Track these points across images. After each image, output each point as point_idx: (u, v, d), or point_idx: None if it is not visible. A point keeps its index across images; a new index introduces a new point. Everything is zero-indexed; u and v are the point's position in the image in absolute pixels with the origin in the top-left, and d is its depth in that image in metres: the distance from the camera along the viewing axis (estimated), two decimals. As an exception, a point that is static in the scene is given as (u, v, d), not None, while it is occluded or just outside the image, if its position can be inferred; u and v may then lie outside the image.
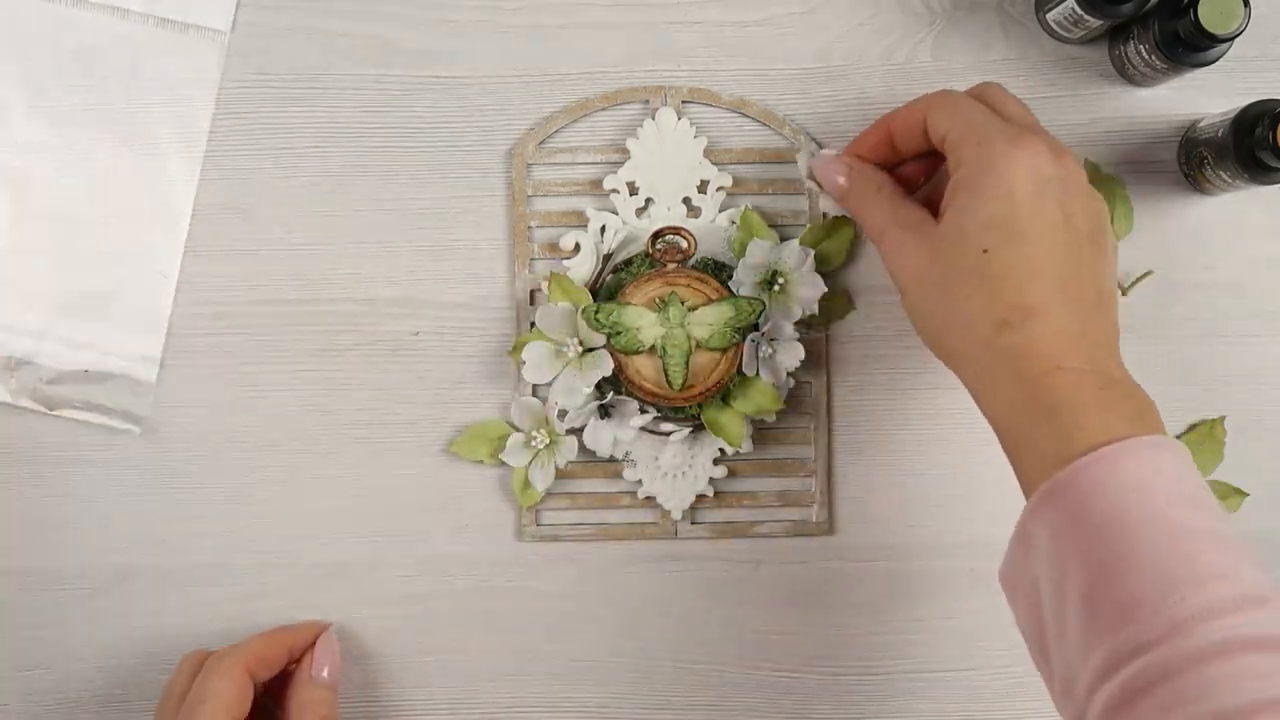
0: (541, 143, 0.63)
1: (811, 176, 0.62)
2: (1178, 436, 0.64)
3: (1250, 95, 0.60)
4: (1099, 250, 0.52)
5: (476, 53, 0.64)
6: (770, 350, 0.61)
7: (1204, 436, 0.64)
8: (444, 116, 0.64)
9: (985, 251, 0.51)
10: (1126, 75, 0.64)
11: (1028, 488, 0.49)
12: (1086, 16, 0.59)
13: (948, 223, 0.52)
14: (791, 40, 0.64)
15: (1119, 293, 0.55)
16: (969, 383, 0.52)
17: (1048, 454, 0.48)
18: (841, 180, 0.58)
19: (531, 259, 0.64)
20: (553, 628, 0.65)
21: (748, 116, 0.64)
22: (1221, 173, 0.60)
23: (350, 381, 0.64)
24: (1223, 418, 0.64)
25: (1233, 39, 0.57)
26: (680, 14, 0.64)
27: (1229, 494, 0.64)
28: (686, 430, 0.62)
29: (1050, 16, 0.62)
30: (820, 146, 0.63)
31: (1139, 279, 0.64)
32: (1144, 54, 0.60)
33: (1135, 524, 0.45)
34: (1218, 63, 0.60)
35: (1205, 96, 0.64)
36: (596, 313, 0.59)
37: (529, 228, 0.64)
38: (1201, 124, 0.62)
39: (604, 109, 0.64)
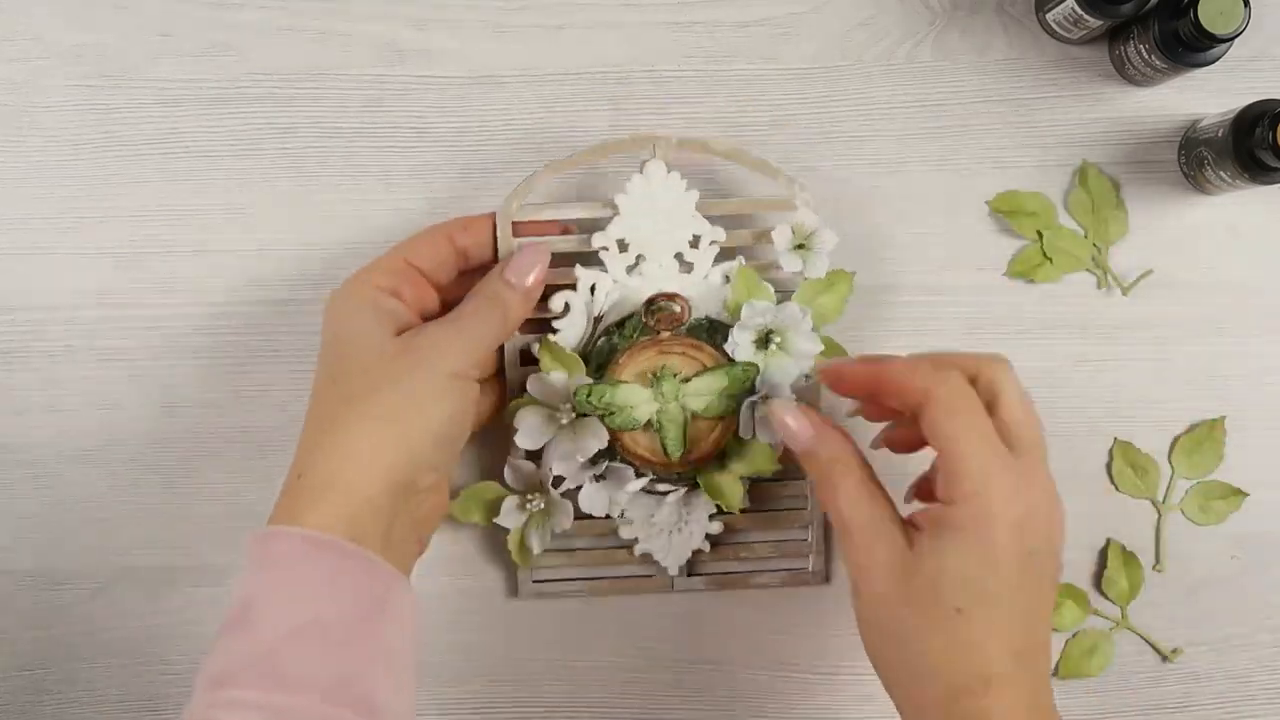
0: (526, 201, 0.59)
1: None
2: (1178, 436, 0.64)
3: (1250, 95, 0.60)
4: (1053, 598, 0.51)
5: (476, 53, 0.64)
6: (765, 409, 0.59)
7: (1204, 436, 0.64)
8: (444, 117, 0.64)
9: (959, 611, 0.48)
10: (1126, 75, 0.64)
11: None
12: (1086, 16, 0.59)
13: (924, 562, 0.49)
14: (791, 40, 0.64)
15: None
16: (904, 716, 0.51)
17: None
18: (795, 429, 0.54)
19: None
20: (552, 628, 0.64)
21: (741, 166, 0.60)
22: (1221, 173, 0.60)
23: (350, 381, 0.64)
24: (1223, 418, 0.64)
25: (1233, 39, 0.57)
26: (680, 14, 0.64)
27: (1229, 494, 0.64)
28: (683, 490, 0.61)
29: (1050, 16, 0.62)
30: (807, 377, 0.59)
31: (1139, 279, 0.64)
32: (1144, 54, 0.60)
33: None
34: (1218, 63, 0.60)
35: (1205, 96, 0.64)
36: (589, 395, 0.58)
37: None
38: (1201, 124, 0.63)
39: (590, 164, 0.61)
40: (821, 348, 0.59)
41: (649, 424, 0.59)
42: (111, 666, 0.64)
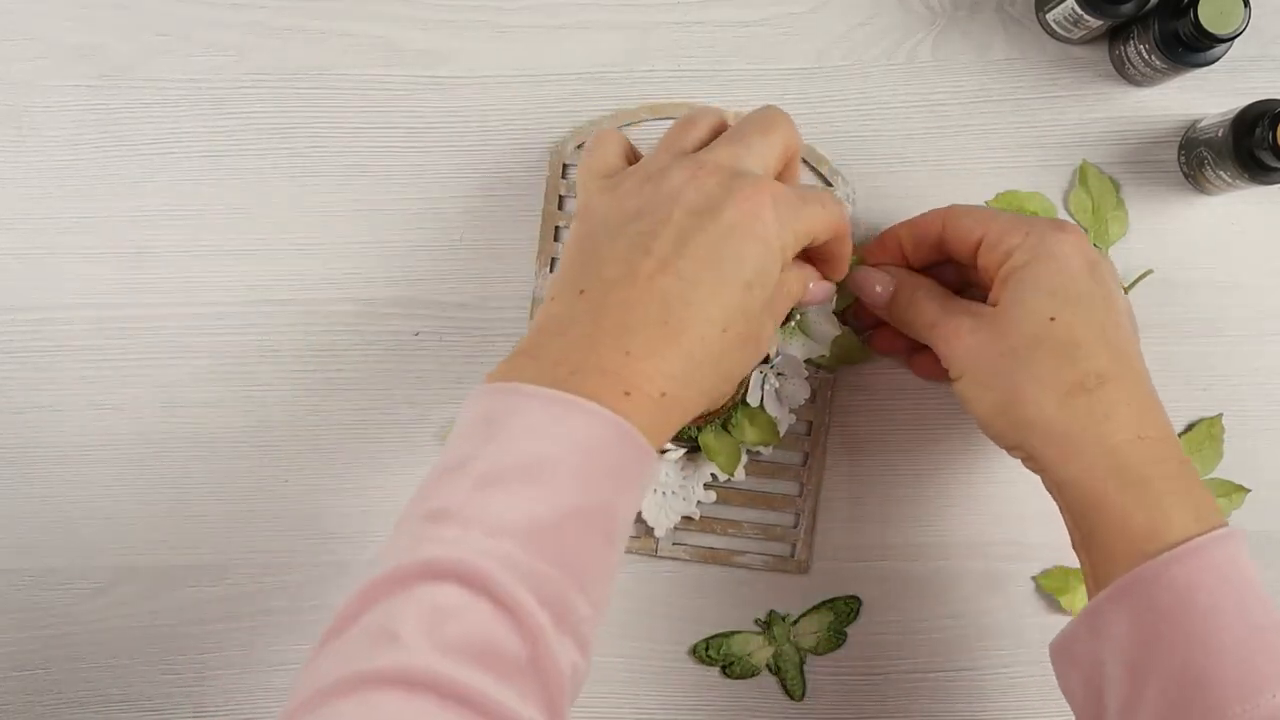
0: (580, 146, 0.62)
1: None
2: (1178, 436, 0.64)
3: (1250, 95, 0.60)
4: (1124, 308, 0.54)
5: (476, 53, 0.64)
6: (777, 383, 0.60)
7: (1204, 436, 0.64)
8: (444, 117, 0.64)
9: (1052, 319, 0.52)
10: (1126, 75, 0.64)
11: (1108, 559, 0.49)
12: (1086, 16, 0.59)
13: (1007, 299, 0.53)
14: (791, 40, 0.64)
15: None
16: (1039, 449, 0.52)
17: (1139, 529, 0.49)
18: (881, 290, 0.58)
19: (554, 259, 0.63)
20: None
21: None
22: (1221, 173, 0.60)
23: (350, 381, 0.64)
24: (1220, 415, 0.64)
25: (1233, 39, 0.57)
26: (680, 14, 0.64)
27: (1230, 490, 0.64)
28: (683, 451, 0.62)
29: (1050, 16, 0.62)
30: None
31: (1139, 278, 0.64)
32: (1144, 54, 0.60)
33: (1223, 621, 0.46)
34: (1218, 63, 0.60)
35: (1205, 96, 0.64)
36: (706, 649, 0.63)
37: (556, 228, 0.63)
38: (1201, 124, 0.63)
39: (649, 120, 0.62)
40: (840, 331, 0.61)
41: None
42: (112, 666, 0.64)
